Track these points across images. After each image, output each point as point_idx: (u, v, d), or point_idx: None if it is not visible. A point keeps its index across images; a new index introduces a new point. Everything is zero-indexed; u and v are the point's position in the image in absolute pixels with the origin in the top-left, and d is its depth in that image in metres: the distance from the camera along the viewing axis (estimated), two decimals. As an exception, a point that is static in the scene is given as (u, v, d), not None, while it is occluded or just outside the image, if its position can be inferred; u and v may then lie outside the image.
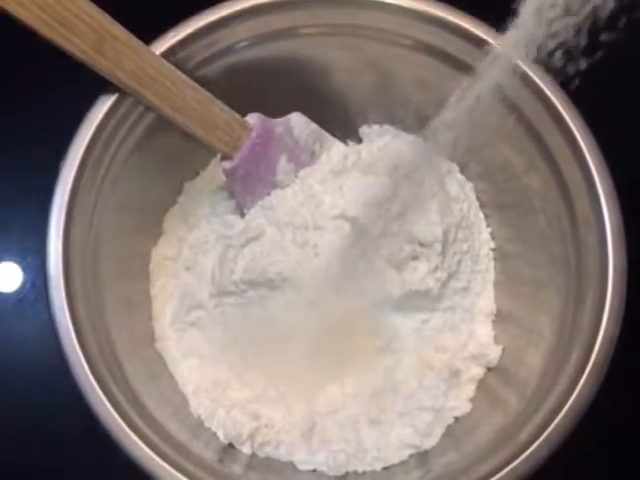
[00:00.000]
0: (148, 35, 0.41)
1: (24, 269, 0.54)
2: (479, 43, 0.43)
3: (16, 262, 0.54)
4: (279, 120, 0.46)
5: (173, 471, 0.36)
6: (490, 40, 0.42)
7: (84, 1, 0.38)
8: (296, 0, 0.44)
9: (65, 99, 0.49)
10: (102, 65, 0.39)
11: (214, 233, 0.48)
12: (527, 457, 0.37)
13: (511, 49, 0.34)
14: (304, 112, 0.48)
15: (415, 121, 0.50)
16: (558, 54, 0.33)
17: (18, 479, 0.50)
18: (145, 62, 0.40)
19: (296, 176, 0.47)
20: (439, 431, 0.45)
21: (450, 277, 0.47)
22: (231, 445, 0.44)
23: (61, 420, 0.50)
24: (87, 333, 0.38)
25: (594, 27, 0.31)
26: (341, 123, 0.50)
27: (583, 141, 0.41)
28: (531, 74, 0.41)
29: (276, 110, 0.47)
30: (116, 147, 0.42)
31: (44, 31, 0.37)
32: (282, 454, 0.44)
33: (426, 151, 0.48)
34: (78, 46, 0.38)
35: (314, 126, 0.48)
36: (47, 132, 0.48)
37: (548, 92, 0.41)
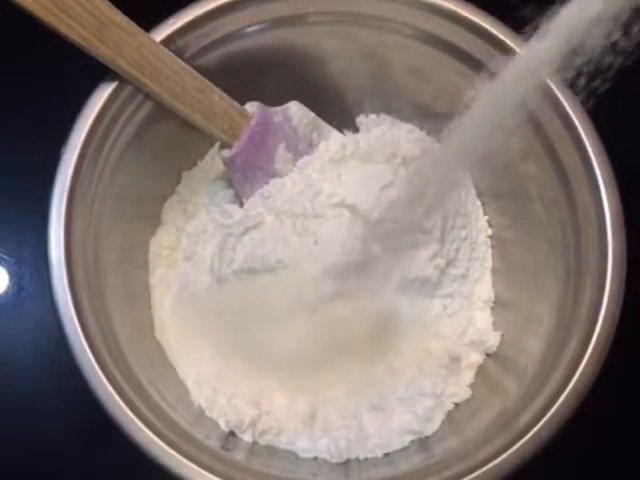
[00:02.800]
0: (148, 22, 0.41)
1: (20, 262, 0.53)
2: (476, 30, 0.43)
3: (12, 255, 0.54)
4: (278, 109, 0.47)
5: (178, 456, 0.36)
6: (486, 26, 0.43)
7: (84, -13, 0.38)
8: (294, -12, 0.44)
9: (63, 87, 0.50)
10: (102, 52, 0.39)
11: (213, 222, 0.48)
12: (526, 442, 0.38)
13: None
14: (301, 101, 0.48)
15: (412, 110, 0.50)
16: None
17: (19, 477, 0.50)
18: (145, 49, 0.40)
19: (294, 165, 0.47)
20: (439, 417, 0.45)
21: (449, 264, 0.47)
22: (232, 433, 0.44)
23: (60, 416, 0.50)
24: (90, 321, 0.38)
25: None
26: (338, 112, 0.50)
27: (582, 128, 0.41)
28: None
29: (273, 99, 0.47)
30: (116, 135, 0.42)
31: (45, 17, 0.37)
32: (283, 442, 0.44)
33: (423, 140, 0.49)
34: (78, 32, 0.38)
35: (312, 115, 0.48)
36: (46, 121, 0.48)
37: (547, 79, 0.41)
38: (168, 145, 0.47)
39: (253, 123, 0.45)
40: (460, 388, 0.46)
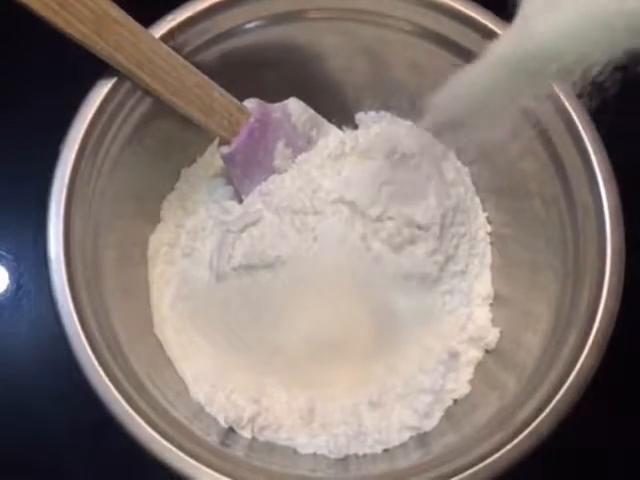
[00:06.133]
0: (147, 18, 0.41)
1: (19, 260, 0.53)
2: (475, 26, 0.43)
3: (11, 252, 0.53)
4: (277, 105, 0.47)
5: (178, 452, 0.36)
6: (485, 22, 0.43)
7: (83, -17, 0.38)
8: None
9: (62, 83, 0.49)
10: (101, 48, 0.39)
11: (212, 219, 0.48)
12: (525, 438, 0.38)
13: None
14: (300, 98, 0.48)
15: (411, 107, 0.50)
16: None
17: (19, 475, 0.50)
18: (144, 45, 0.40)
19: (293, 162, 0.47)
20: (438, 413, 0.45)
21: (448, 260, 0.47)
22: (232, 429, 0.44)
23: (60, 413, 0.50)
24: (89, 318, 0.38)
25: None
26: (337, 109, 0.50)
27: (581, 125, 0.41)
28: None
29: (273, 96, 0.47)
30: (114, 132, 0.42)
31: (43, 13, 0.37)
32: (282, 438, 0.44)
33: (423, 137, 0.49)
34: (77, 28, 0.38)
35: (311, 112, 0.48)
36: (44, 118, 0.48)
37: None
38: (167, 142, 0.47)
39: (252, 120, 0.45)
40: (459, 384, 0.46)
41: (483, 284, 0.48)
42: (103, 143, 0.41)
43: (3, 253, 0.53)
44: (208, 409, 0.44)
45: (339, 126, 0.51)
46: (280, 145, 0.46)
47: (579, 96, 0.40)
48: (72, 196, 0.39)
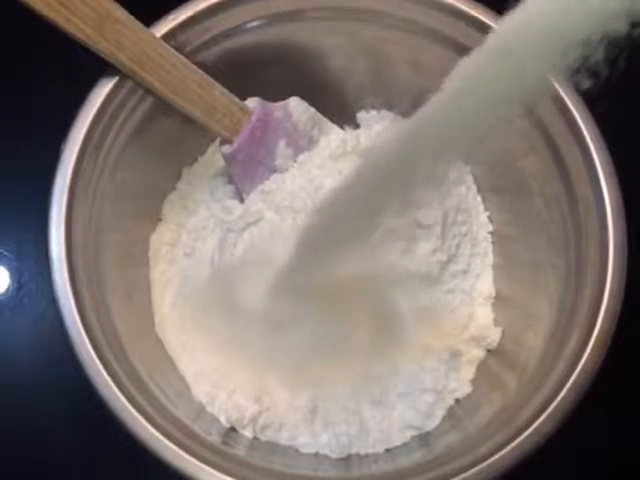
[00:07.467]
0: (149, 17, 0.41)
1: (21, 259, 0.53)
2: (477, 24, 0.43)
3: (12, 252, 0.53)
4: (278, 104, 0.47)
5: (179, 451, 0.36)
6: (488, 21, 0.42)
7: (85, -18, 0.38)
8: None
9: (64, 82, 0.49)
10: (102, 47, 0.39)
11: (213, 218, 0.48)
12: (527, 437, 0.38)
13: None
14: (302, 97, 0.48)
15: (413, 106, 0.50)
16: None
17: (20, 475, 0.50)
18: (146, 44, 0.40)
19: (295, 161, 0.47)
20: (440, 412, 0.45)
21: (450, 260, 0.47)
22: (233, 429, 0.44)
23: (61, 413, 0.50)
24: (90, 317, 0.38)
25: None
26: (338, 108, 0.50)
27: (582, 122, 0.41)
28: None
29: (274, 95, 0.47)
30: (116, 131, 0.42)
31: (46, 12, 0.37)
32: (284, 437, 0.44)
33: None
34: (79, 27, 0.38)
35: (313, 111, 0.48)
36: (46, 117, 0.48)
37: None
38: (168, 141, 0.47)
39: (254, 119, 0.45)
40: (461, 384, 0.46)
41: (485, 283, 0.48)
42: (105, 142, 0.41)
43: (4, 252, 0.53)
44: (209, 408, 0.44)
45: (340, 125, 0.51)
46: (281, 144, 0.46)
47: (581, 94, 0.40)
48: (74, 195, 0.39)
